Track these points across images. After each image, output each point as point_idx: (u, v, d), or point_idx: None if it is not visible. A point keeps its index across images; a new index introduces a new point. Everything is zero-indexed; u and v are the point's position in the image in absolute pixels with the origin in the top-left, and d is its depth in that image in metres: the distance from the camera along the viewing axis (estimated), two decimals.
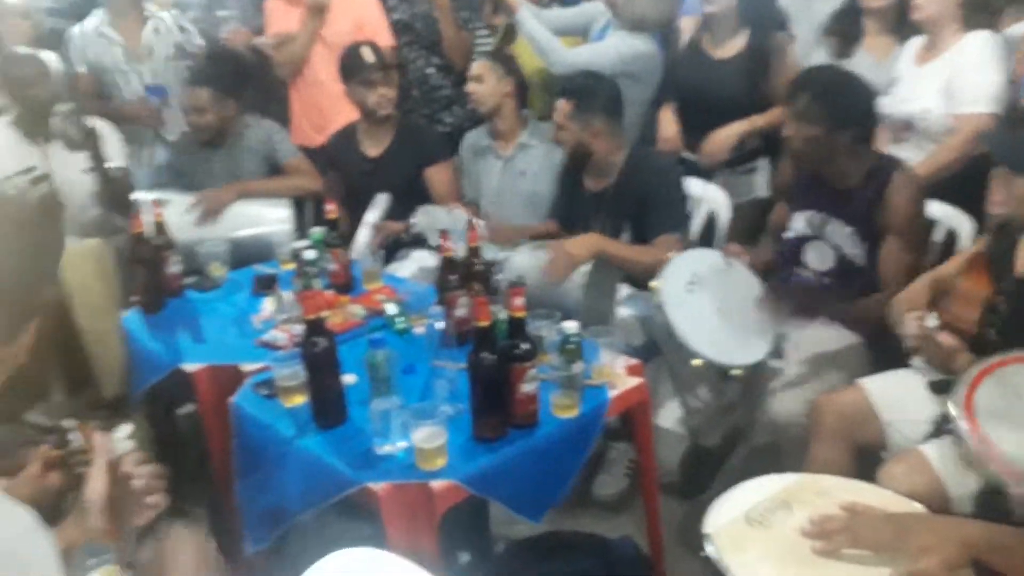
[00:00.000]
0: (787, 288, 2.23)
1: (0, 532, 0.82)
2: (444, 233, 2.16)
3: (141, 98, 3.28)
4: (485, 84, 2.78)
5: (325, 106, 3.32)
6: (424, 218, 2.62)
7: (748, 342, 2.09)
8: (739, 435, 2.54)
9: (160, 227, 2.39)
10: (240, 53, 3.31)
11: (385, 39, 3.26)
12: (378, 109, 2.90)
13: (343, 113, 3.13)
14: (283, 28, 3.31)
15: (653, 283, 2.10)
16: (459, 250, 2.15)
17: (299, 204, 3.05)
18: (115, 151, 2.89)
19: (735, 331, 2.09)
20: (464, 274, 2.11)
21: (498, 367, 1.58)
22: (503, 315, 1.69)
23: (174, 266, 2.41)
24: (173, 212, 2.58)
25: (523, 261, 2.31)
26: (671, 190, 2.48)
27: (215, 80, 2.93)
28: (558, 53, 2.79)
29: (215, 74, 2.96)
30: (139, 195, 2.75)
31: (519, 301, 1.60)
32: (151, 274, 2.32)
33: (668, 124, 2.95)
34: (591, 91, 2.47)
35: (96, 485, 1.11)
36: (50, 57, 2.89)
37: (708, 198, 2.71)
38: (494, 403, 1.61)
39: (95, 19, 3.32)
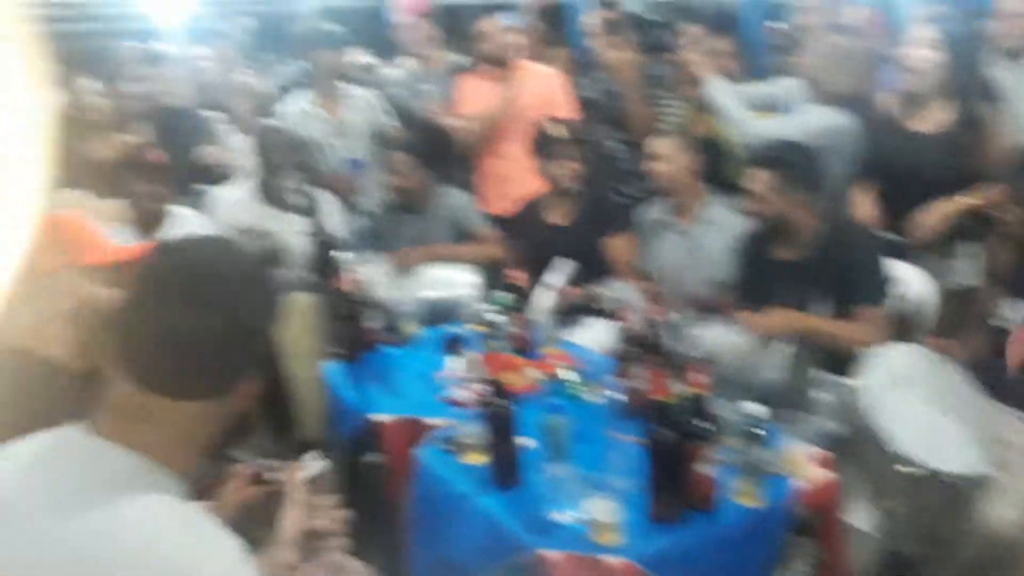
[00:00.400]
0: (1007, 386, 2.03)
1: (213, 562, 0.86)
2: (626, 304, 2.17)
3: (340, 170, 3.57)
4: (667, 162, 2.78)
5: (512, 177, 3.45)
6: (609, 289, 2.65)
7: (962, 446, 1.90)
8: (943, 544, 2.30)
9: (360, 285, 2.59)
10: (438, 126, 3.55)
11: (570, 113, 3.39)
12: (564, 182, 3.00)
13: (528, 183, 3.25)
14: (475, 106, 3.49)
15: (853, 380, 1.98)
16: (639, 321, 2.15)
17: (484, 269, 3.19)
18: (329, 215, 3.17)
19: (947, 433, 1.91)
20: (644, 346, 2.11)
21: (676, 445, 1.55)
22: (684, 391, 1.67)
23: (371, 321, 2.59)
24: (371, 272, 2.78)
25: (709, 335, 2.27)
26: (873, 261, 2.36)
27: (415, 148, 3.16)
28: (749, 124, 2.77)
29: (415, 143, 3.20)
30: (342, 255, 2.99)
31: (702, 378, 1.58)
32: (350, 328, 2.51)
33: (865, 201, 2.82)
34: (794, 162, 2.40)
35: (293, 521, 1.19)
36: (292, 130, 3.28)
37: (909, 282, 2.54)
38: (670, 481, 1.58)
39: (300, 98, 3.64)
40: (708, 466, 1.57)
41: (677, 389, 1.65)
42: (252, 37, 5.06)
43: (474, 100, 3.51)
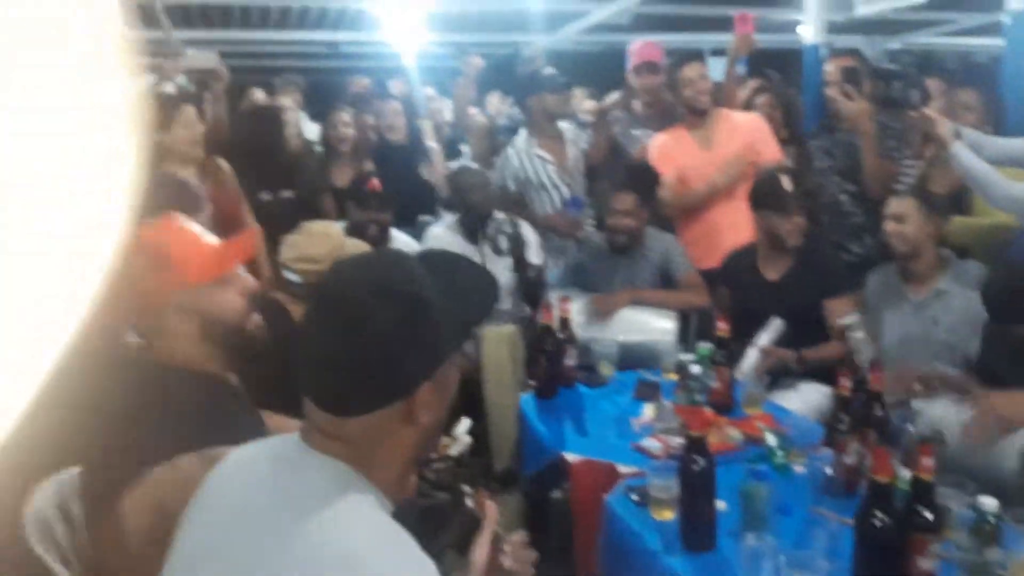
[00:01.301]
0: None
1: None
2: (842, 371, 2.04)
3: (563, 211, 3.64)
4: (908, 224, 2.56)
5: (716, 229, 3.35)
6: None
7: None
8: None
9: (565, 322, 2.63)
10: (653, 168, 3.54)
11: (777, 155, 3.25)
12: (788, 238, 2.86)
13: (739, 236, 3.15)
14: (675, 159, 3.39)
15: None
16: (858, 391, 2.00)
17: (684, 317, 3.13)
18: (534, 253, 3.27)
19: None
20: (860, 417, 1.96)
21: (894, 533, 1.42)
22: (905, 474, 1.54)
23: (571, 359, 2.62)
24: (575, 310, 2.82)
25: (940, 413, 2.06)
26: None
27: (639, 188, 3.17)
28: (999, 188, 2.50)
29: (639, 183, 3.21)
30: (550, 291, 3.06)
31: (928, 461, 1.43)
32: (551, 363, 2.56)
33: None
34: None
35: (483, 550, 1.21)
36: (490, 173, 3.43)
37: None
38: (883, 572, 1.44)
39: (524, 139, 3.72)
40: (929, 560, 1.42)
41: (900, 471, 1.52)
42: (483, 77, 5.35)
43: (674, 156, 3.43)
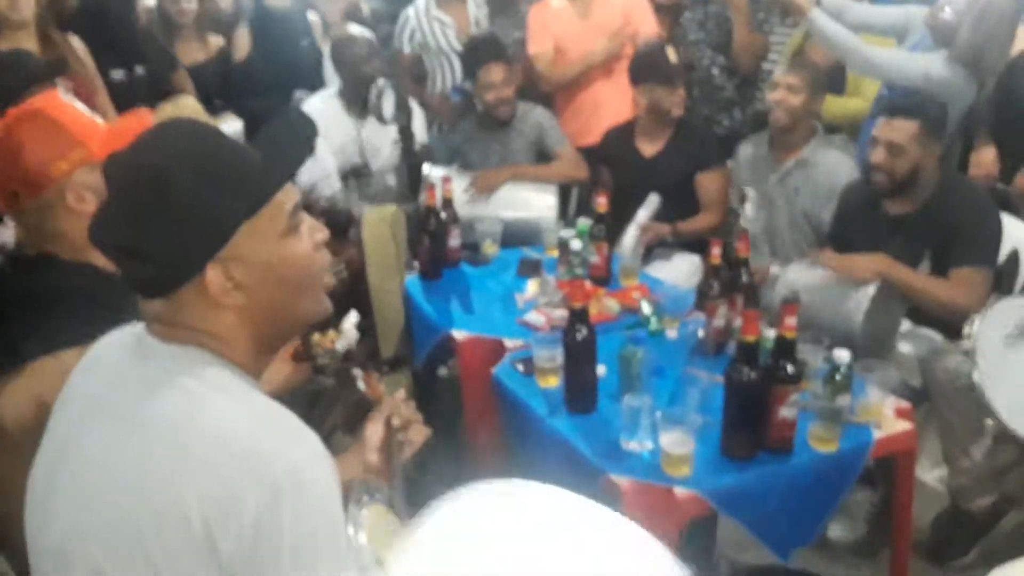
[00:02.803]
0: None
1: (295, 450, 0.87)
2: (713, 240, 2.14)
3: (445, 96, 3.53)
4: (796, 96, 2.62)
5: (595, 105, 3.34)
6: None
7: None
8: (1009, 503, 2.25)
9: (448, 202, 2.60)
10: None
11: (654, 29, 3.26)
12: (673, 111, 2.90)
13: (612, 113, 3.17)
14: (552, 34, 3.32)
15: (966, 329, 1.92)
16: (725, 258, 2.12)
17: (564, 193, 3.16)
18: (419, 129, 3.17)
19: None
20: (728, 283, 2.08)
21: (759, 386, 1.54)
22: (770, 333, 1.65)
23: (455, 240, 2.61)
24: (456, 189, 2.79)
25: (798, 277, 2.22)
26: (985, 221, 2.24)
27: (506, 54, 3.08)
28: (858, 54, 2.58)
29: (503, 49, 3.11)
30: (430, 170, 3.00)
31: (791, 320, 1.55)
32: (435, 244, 2.54)
33: (985, 153, 2.67)
34: (934, 112, 2.27)
35: (377, 428, 1.22)
36: (370, 36, 3.25)
37: (1019, 238, 2.41)
38: (749, 422, 1.57)
39: (427, 2, 3.54)
40: (790, 409, 1.55)
41: (766, 330, 1.63)
42: None
43: (551, 27, 3.35)
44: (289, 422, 0.91)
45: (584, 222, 2.52)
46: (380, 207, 2.71)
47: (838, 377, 1.62)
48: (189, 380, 0.89)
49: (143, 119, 1.39)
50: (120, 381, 0.93)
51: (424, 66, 3.60)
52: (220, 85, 3.46)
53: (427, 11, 3.53)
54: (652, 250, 2.86)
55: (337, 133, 3.09)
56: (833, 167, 2.62)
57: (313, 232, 0.99)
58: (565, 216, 3.07)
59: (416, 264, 2.59)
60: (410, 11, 3.58)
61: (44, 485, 0.93)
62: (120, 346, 0.97)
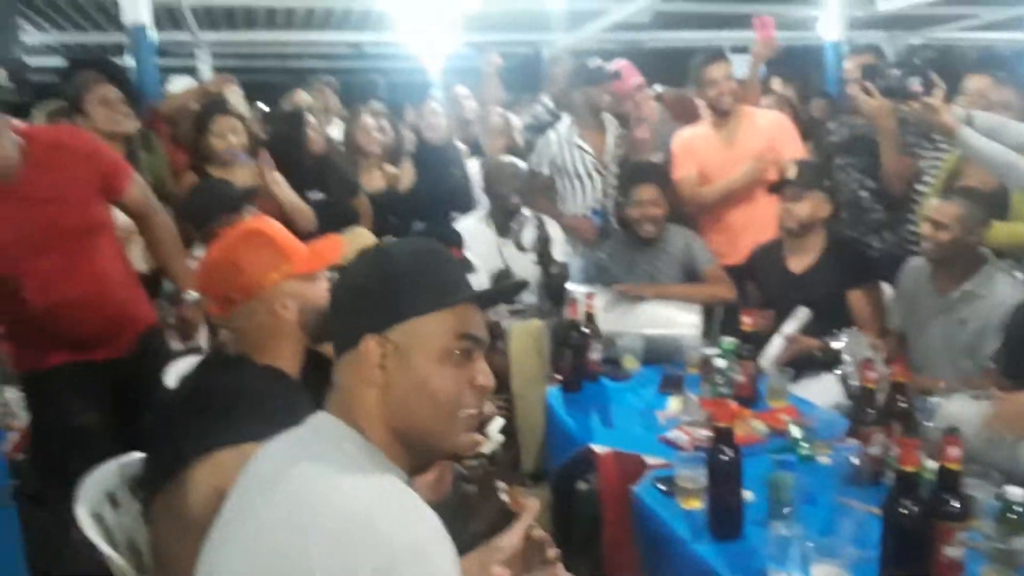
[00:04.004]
0: None
1: (416, 527, 0.91)
2: (867, 362, 2.06)
3: (585, 217, 3.68)
4: (946, 232, 2.46)
5: (737, 227, 3.39)
6: (849, 343, 2.50)
7: None
8: None
9: (589, 317, 2.66)
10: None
11: (800, 152, 3.27)
12: (808, 220, 2.88)
13: (761, 232, 3.17)
14: (698, 157, 3.44)
15: None
16: (877, 381, 2.03)
17: (708, 311, 3.15)
18: (559, 250, 3.31)
19: None
20: (884, 410, 1.99)
21: (921, 522, 1.44)
22: (931, 464, 1.56)
23: (596, 354, 2.65)
24: (599, 304, 2.85)
25: (959, 409, 2.07)
26: None
27: (660, 179, 3.20)
28: (1017, 170, 2.45)
29: (657, 173, 3.24)
30: (573, 286, 3.09)
31: (955, 452, 1.45)
32: (576, 357, 2.59)
33: None
34: None
35: (514, 538, 1.23)
36: (520, 163, 3.48)
37: None
38: (910, 560, 1.46)
39: (566, 127, 3.77)
40: (955, 548, 1.44)
41: (926, 461, 1.54)
42: (508, 76, 5.38)
43: (696, 152, 3.46)
44: (415, 504, 0.95)
45: (729, 340, 2.50)
46: (525, 321, 2.81)
47: (1012, 515, 1.48)
48: (330, 450, 0.97)
49: (336, 241, 1.58)
50: (276, 451, 1.03)
51: (558, 187, 3.77)
52: (393, 210, 3.81)
53: (568, 138, 3.73)
54: (802, 371, 2.77)
55: (484, 251, 3.27)
56: (1004, 299, 2.44)
57: (476, 375, 1.05)
58: (709, 333, 3.05)
59: (557, 377, 2.64)
60: (551, 136, 3.80)
61: (207, 562, 1.01)
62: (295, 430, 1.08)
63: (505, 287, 1.14)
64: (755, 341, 2.50)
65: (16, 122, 2.24)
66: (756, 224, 3.26)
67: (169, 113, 3.65)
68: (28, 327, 2.20)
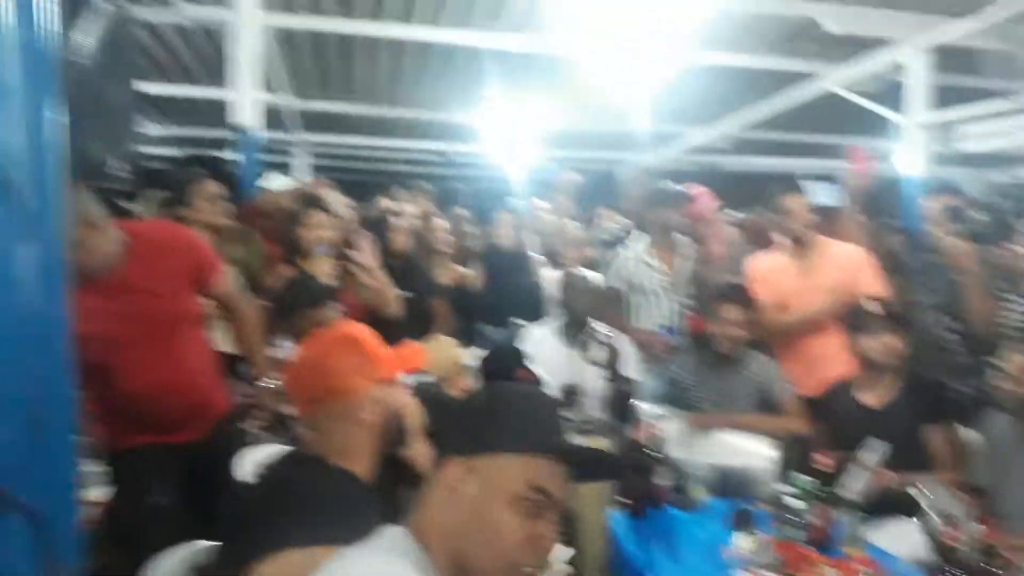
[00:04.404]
0: None
1: None
2: (952, 519, 1.95)
3: (657, 332, 3.69)
4: (1018, 384, 2.43)
5: (820, 358, 3.32)
6: (931, 495, 2.39)
7: None
8: None
9: (656, 440, 2.62)
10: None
11: (879, 290, 3.22)
12: (879, 358, 2.82)
13: (838, 365, 3.11)
14: (775, 286, 3.42)
15: None
16: (964, 539, 1.92)
17: (783, 444, 3.05)
18: (629, 366, 3.29)
19: None
20: (969, 570, 1.87)
21: None
22: None
23: (662, 480, 2.59)
24: (668, 427, 2.80)
25: None
26: None
27: (744, 300, 3.19)
28: None
29: (742, 295, 3.23)
30: (641, 405, 3.05)
31: None
32: (641, 481, 2.53)
33: None
34: None
35: None
36: (596, 277, 3.53)
37: None
38: None
39: (640, 246, 3.86)
40: None
41: None
42: (584, 192, 5.53)
43: (771, 280, 3.46)
44: None
45: (804, 479, 2.41)
46: (590, 438, 2.78)
47: None
48: (378, 558, 1.00)
49: (418, 349, 1.63)
50: (346, 566, 1.05)
51: (630, 302, 3.79)
52: (460, 309, 3.89)
53: (641, 255, 3.79)
54: (877, 512, 2.64)
55: (554, 363, 3.28)
56: None
57: (541, 533, 1.04)
58: (783, 469, 2.95)
59: (621, 500, 2.58)
60: (624, 252, 3.88)
61: None
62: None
63: (597, 456, 1.14)
64: (830, 482, 2.40)
65: (129, 206, 2.40)
66: (831, 356, 3.20)
67: (266, 209, 3.87)
68: (114, 409, 2.30)
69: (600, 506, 2.61)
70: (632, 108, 6.09)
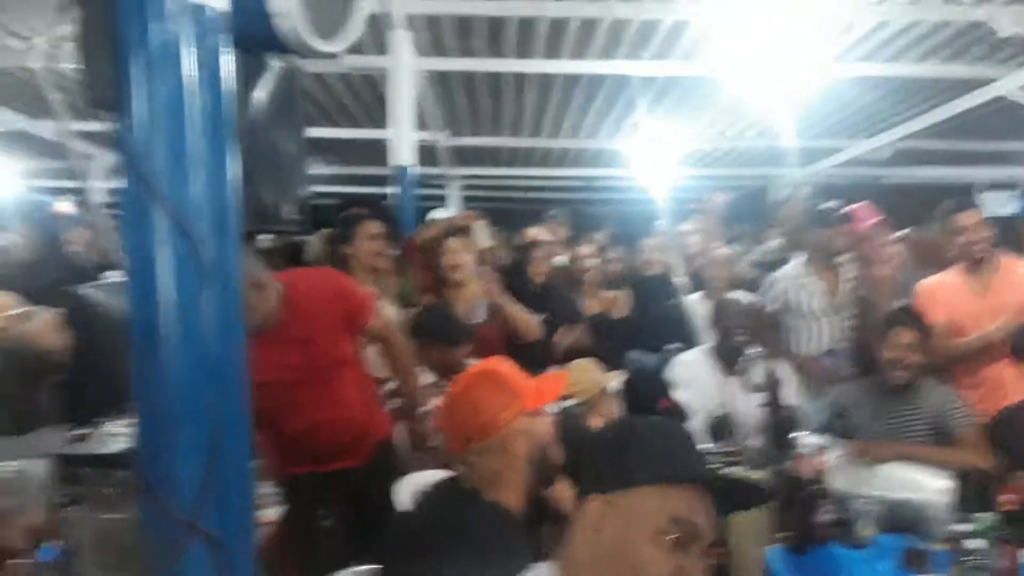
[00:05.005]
0: None
1: None
2: None
3: (818, 358, 3.52)
4: None
5: (996, 384, 3.09)
6: None
7: None
8: None
9: (819, 474, 2.49)
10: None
11: None
12: None
13: (1016, 393, 2.85)
14: (949, 307, 3.20)
15: None
16: None
17: (961, 476, 2.81)
18: (789, 393, 3.16)
19: None
20: None
21: None
22: None
23: (825, 514, 2.46)
24: (832, 459, 2.66)
25: None
26: None
27: (919, 325, 3.00)
28: None
29: (916, 319, 3.03)
30: (802, 435, 2.91)
31: None
32: (802, 517, 2.42)
33: None
34: None
35: None
36: (750, 300, 3.42)
37: None
38: None
39: (796, 267, 3.69)
40: None
41: None
42: (735, 211, 5.40)
43: (943, 302, 3.22)
44: None
45: (986, 518, 2.22)
46: (748, 471, 2.69)
47: None
48: None
49: (561, 376, 1.66)
50: None
51: (789, 326, 3.63)
52: (607, 335, 3.90)
53: (799, 277, 3.62)
54: None
55: (704, 389, 3.21)
56: None
57: (690, 570, 1.01)
58: (961, 504, 2.71)
59: (781, 536, 2.47)
60: (781, 274, 3.72)
61: None
62: None
63: (739, 483, 1.10)
64: (1017, 521, 2.19)
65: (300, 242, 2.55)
66: (1012, 382, 2.94)
67: (422, 244, 4.07)
68: (280, 444, 2.50)
69: (758, 542, 2.51)
70: (783, 123, 5.90)
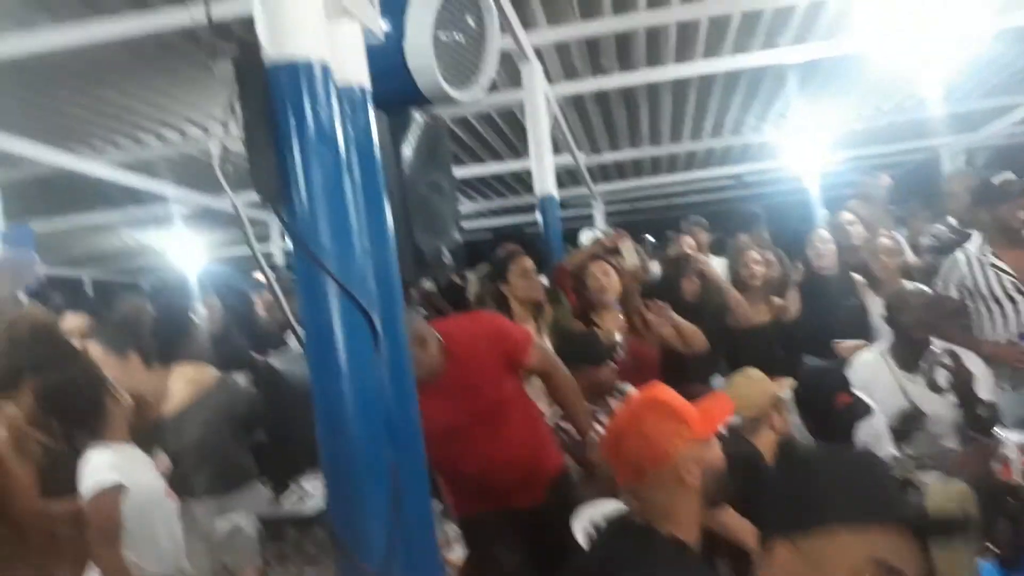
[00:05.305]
0: None
1: None
2: None
3: (1013, 344, 3.22)
4: None
5: None
6: None
7: None
8: None
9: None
10: None
11: None
12: None
13: None
14: None
15: None
16: None
17: None
18: (984, 387, 2.90)
19: None
20: None
21: None
22: None
23: None
24: None
25: None
26: None
27: None
28: None
29: None
30: (1004, 433, 2.67)
31: None
32: (1015, 528, 2.21)
33: None
34: None
35: None
36: (925, 290, 3.18)
37: None
38: None
39: (977, 246, 3.40)
40: None
41: None
42: (899, 192, 5.04)
43: None
44: None
45: None
46: (947, 480, 2.48)
47: None
48: None
49: (725, 399, 1.61)
50: None
51: (972, 312, 3.35)
52: (780, 342, 3.74)
53: (980, 257, 3.33)
54: None
55: (884, 390, 2.99)
56: None
57: None
58: None
59: (991, 548, 2.26)
60: (959, 256, 3.44)
61: None
62: None
63: (955, 521, 0.99)
64: None
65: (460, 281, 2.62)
66: None
67: (572, 269, 4.10)
68: (456, 486, 2.60)
69: (965, 557, 2.32)
70: (941, 88, 5.45)
